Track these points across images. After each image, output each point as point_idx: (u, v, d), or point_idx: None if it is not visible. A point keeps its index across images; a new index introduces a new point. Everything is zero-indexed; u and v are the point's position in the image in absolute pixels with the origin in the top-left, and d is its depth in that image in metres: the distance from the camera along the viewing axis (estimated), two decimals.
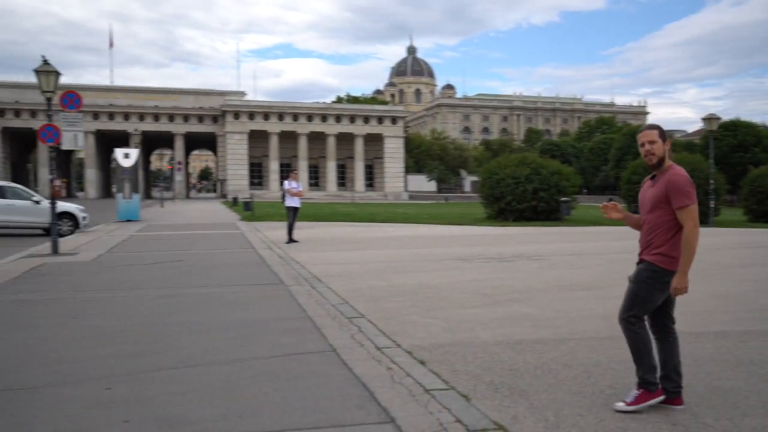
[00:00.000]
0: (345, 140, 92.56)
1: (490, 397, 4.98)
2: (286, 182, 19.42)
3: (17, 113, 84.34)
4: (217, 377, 5.53)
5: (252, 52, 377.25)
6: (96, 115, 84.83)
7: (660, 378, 4.78)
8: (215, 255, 15.70)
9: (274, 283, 11.04)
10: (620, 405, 4.70)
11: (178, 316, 8.30)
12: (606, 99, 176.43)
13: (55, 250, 15.37)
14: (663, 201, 4.62)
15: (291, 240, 18.32)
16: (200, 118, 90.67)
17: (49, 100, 16.32)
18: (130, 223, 27.75)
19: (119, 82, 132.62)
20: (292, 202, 18.91)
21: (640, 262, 4.78)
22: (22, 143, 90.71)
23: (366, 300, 9.30)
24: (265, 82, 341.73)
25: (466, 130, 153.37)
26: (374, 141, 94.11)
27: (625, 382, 5.25)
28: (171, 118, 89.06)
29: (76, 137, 17.05)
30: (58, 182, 17.50)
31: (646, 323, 4.81)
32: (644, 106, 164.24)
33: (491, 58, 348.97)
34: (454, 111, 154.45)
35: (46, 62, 16.26)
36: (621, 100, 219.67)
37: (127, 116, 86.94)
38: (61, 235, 19.48)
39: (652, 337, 4.84)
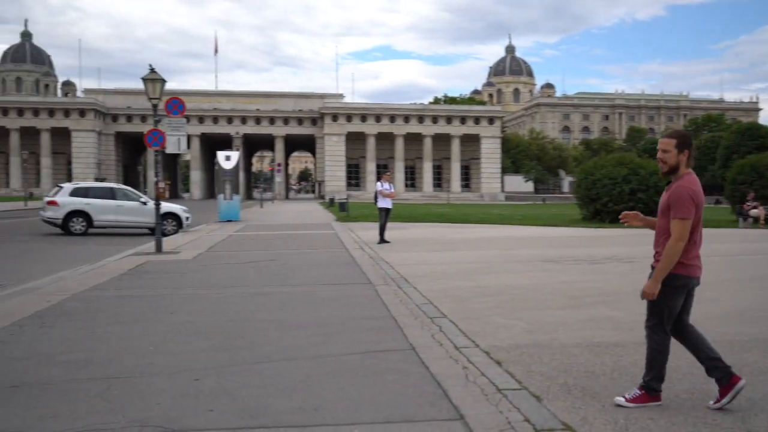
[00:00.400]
0: (441, 141, 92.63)
1: (562, 398, 5.00)
2: (378, 184, 19.73)
3: (129, 118, 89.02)
4: (298, 372, 5.77)
5: (351, 54, 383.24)
6: (201, 119, 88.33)
7: (706, 371, 4.80)
8: (308, 254, 16.15)
9: (362, 283, 11.29)
10: (620, 400, 4.83)
11: (266, 313, 8.65)
12: (715, 95, 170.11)
13: (158, 249, 16.16)
14: (667, 208, 4.68)
15: (383, 240, 18.58)
16: (300, 121, 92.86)
17: (155, 106, 17.15)
18: (230, 224, 28.76)
19: (223, 86, 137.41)
20: (384, 203, 19.17)
21: (653, 269, 4.82)
22: (133, 146, 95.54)
23: (450, 300, 9.39)
24: (364, 84, 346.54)
25: (566, 129, 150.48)
26: (471, 141, 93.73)
27: (704, 388, 5.15)
28: (272, 120, 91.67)
29: (180, 141, 17.89)
30: (162, 184, 18.36)
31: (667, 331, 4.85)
32: (756, 102, 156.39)
33: (593, 55, 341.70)
34: (554, 110, 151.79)
35: (152, 70, 17.13)
36: (731, 96, 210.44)
37: (230, 119, 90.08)
38: (165, 235, 20.44)
39: (672, 339, 4.89)
